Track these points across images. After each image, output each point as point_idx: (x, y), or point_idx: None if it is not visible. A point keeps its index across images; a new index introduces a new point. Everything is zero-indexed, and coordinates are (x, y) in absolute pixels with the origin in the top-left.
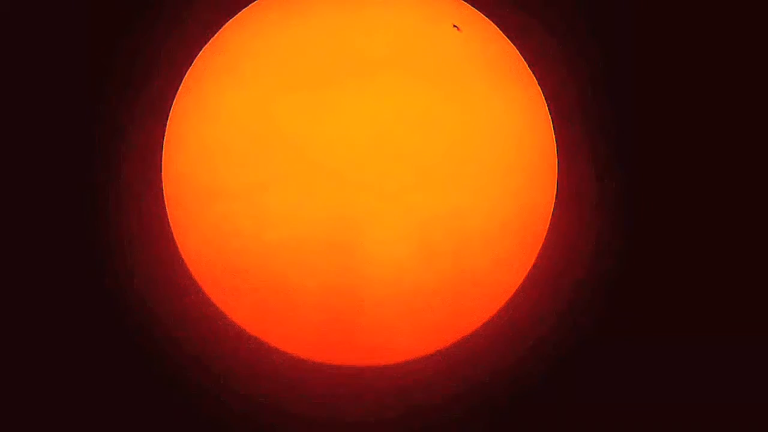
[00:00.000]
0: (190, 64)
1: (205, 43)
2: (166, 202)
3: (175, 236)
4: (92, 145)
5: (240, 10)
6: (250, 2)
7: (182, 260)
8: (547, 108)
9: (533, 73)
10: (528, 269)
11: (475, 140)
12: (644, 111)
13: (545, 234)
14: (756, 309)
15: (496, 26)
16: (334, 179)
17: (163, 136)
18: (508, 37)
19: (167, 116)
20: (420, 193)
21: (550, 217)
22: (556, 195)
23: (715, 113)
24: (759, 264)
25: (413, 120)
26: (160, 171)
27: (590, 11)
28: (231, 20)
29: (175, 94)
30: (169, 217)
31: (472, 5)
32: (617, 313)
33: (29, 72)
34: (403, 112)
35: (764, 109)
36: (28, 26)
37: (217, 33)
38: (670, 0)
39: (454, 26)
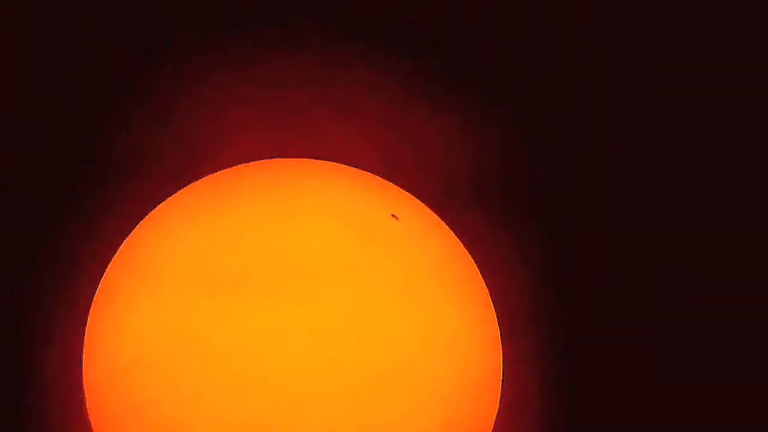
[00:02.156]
0: (104, 270)
1: (120, 244)
2: (89, 417)
3: None
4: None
5: (156, 206)
6: (165, 198)
7: None
8: (495, 316)
9: (482, 274)
10: None
11: (413, 348)
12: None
13: None
14: None
15: (441, 220)
16: (263, 388)
17: (82, 348)
18: (455, 233)
19: (84, 328)
20: (353, 403)
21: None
22: (498, 411)
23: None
24: None
25: (345, 325)
26: (82, 386)
27: (545, 204)
28: (146, 218)
29: (91, 302)
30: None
31: (416, 197)
32: None
33: None
34: (334, 316)
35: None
36: None
37: (133, 232)
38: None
39: (393, 216)
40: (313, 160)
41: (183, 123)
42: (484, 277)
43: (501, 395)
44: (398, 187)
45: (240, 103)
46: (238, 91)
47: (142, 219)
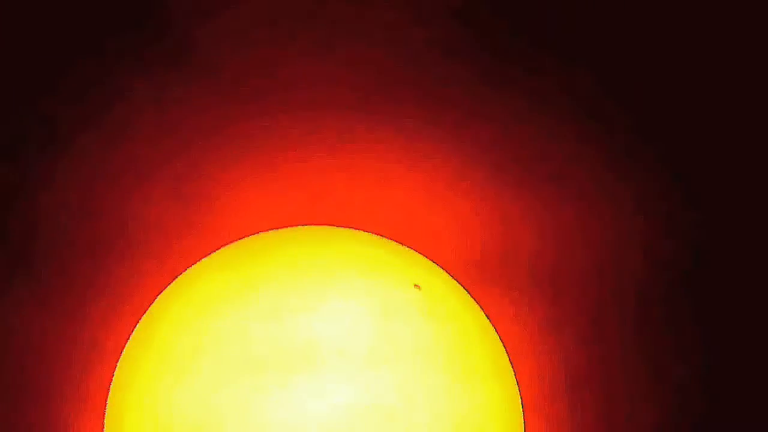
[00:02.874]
0: (121, 351)
1: (136, 324)
2: None
3: None
4: None
5: (174, 280)
6: (182, 271)
7: None
8: (519, 398)
9: (506, 350)
10: None
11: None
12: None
13: None
14: None
15: (470, 297)
16: None
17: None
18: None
19: (103, 412)
20: None
21: None
22: None
23: None
24: None
25: (367, 410)
26: None
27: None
28: (162, 294)
29: (108, 388)
30: None
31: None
32: None
33: None
34: (356, 401)
35: None
36: None
37: (147, 312)
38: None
39: (415, 285)
40: (337, 227)
41: (200, 195)
42: (511, 359)
43: None
44: (426, 257)
45: (261, 172)
46: (257, 159)
47: (158, 295)
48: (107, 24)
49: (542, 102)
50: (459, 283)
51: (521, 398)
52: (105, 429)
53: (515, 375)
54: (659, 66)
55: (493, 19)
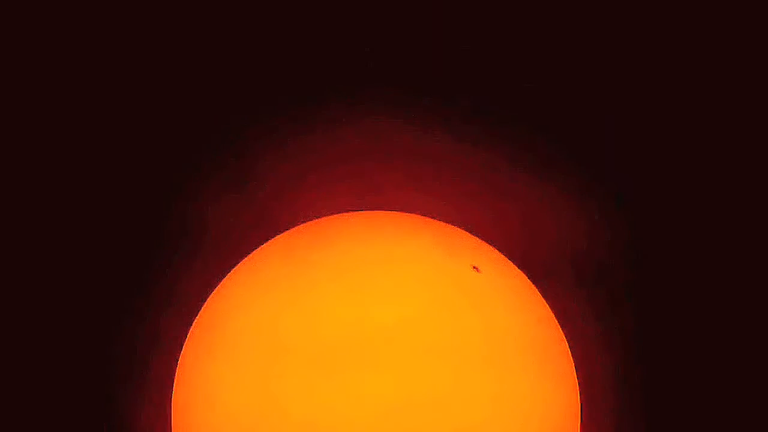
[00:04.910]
0: (183, 342)
1: (199, 308)
2: None
3: None
4: None
5: (232, 267)
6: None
7: None
8: (576, 380)
9: (565, 334)
10: None
11: (491, 411)
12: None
13: None
14: None
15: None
16: None
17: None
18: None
19: (169, 401)
20: None
21: None
22: None
23: None
24: None
25: (426, 398)
26: None
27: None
28: (220, 284)
29: (172, 379)
30: None
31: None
32: None
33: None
34: (415, 388)
35: None
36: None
37: (207, 300)
38: None
39: (474, 267)
40: (392, 212)
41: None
42: (568, 342)
43: None
44: (485, 242)
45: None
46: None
47: (216, 285)
48: None
49: None
50: (521, 270)
51: (579, 386)
52: (172, 410)
53: (575, 365)
54: None
55: None
